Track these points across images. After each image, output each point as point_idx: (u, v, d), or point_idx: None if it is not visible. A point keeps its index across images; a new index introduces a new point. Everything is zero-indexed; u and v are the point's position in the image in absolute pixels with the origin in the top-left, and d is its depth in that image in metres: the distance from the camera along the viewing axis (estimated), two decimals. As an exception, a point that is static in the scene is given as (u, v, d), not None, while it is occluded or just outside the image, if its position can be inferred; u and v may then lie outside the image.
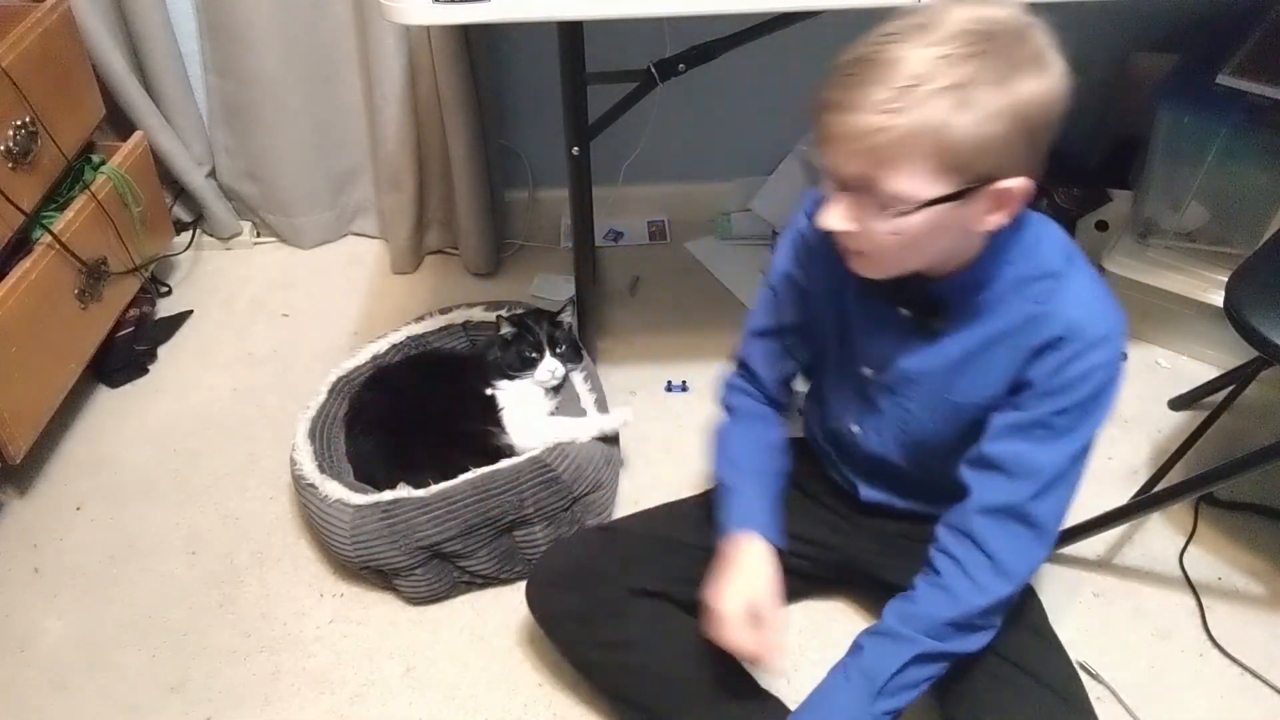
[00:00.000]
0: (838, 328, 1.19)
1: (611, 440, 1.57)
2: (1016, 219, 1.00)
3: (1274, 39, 1.70)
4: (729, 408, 1.32)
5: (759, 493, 1.23)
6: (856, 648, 1.12)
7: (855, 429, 1.25)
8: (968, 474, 1.10)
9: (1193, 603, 1.47)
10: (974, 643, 1.11)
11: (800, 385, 1.35)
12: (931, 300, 1.07)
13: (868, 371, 1.18)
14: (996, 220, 0.96)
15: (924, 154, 0.89)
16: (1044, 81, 0.89)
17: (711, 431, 1.31)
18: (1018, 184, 0.93)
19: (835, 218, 0.96)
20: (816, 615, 1.46)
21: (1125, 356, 1.06)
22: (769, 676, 1.31)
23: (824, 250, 1.16)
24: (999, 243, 1.01)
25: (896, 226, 0.93)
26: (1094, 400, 1.04)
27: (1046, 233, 1.05)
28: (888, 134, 0.88)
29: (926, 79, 0.86)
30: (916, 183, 0.90)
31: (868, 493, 1.31)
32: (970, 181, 0.91)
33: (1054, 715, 1.14)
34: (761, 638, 1.12)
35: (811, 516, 1.37)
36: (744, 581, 1.14)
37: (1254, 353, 1.35)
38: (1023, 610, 1.20)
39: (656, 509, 1.43)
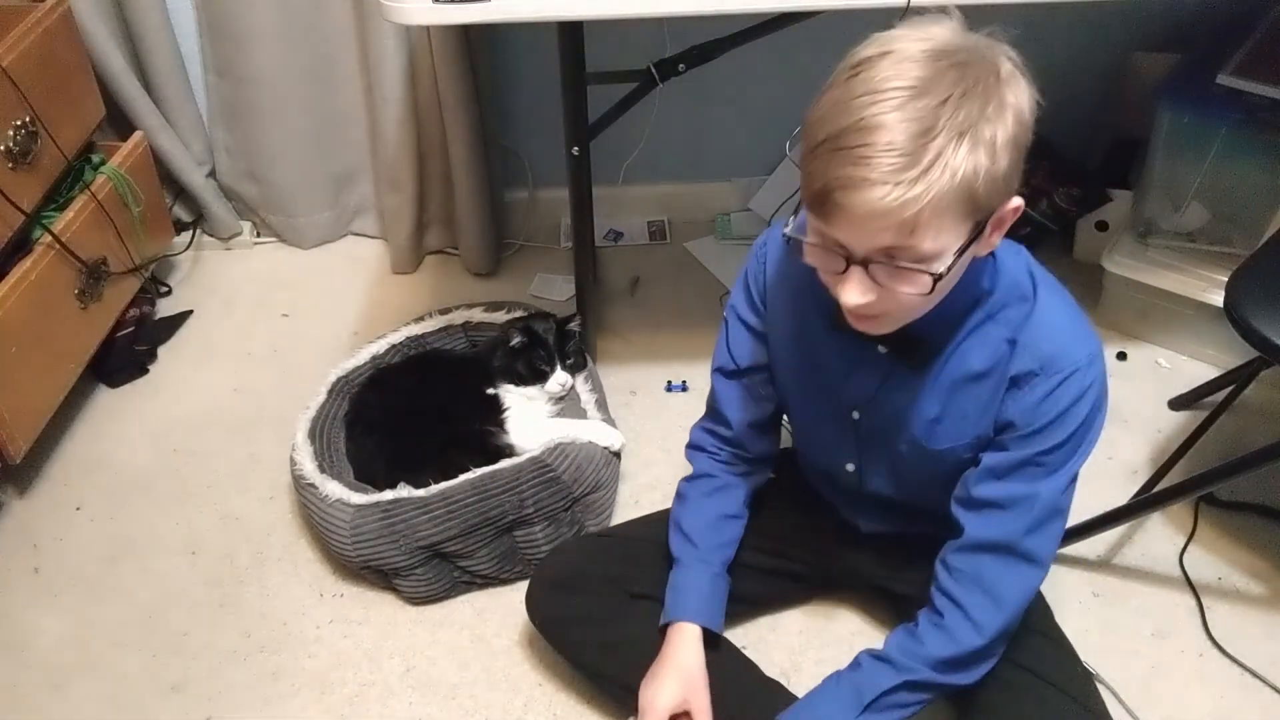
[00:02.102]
0: (814, 373, 1.18)
1: (611, 440, 1.57)
2: None
3: (1274, 39, 1.70)
4: (692, 468, 1.32)
5: (704, 575, 1.25)
6: (855, 663, 1.14)
7: (850, 468, 1.24)
8: (960, 512, 1.10)
9: (1193, 603, 1.47)
10: (971, 676, 1.11)
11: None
12: (911, 339, 1.05)
13: (856, 415, 1.17)
14: (994, 242, 0.95)
15: (953, 207, 0.85)
16: (1026, 96, 0.88)
17: (679, 485, 1.32)
18: (1016, 202, 0.92)
19: (858, 294, 0.91)
20: (817, 616, 1.46)
21: (1105, 387, 1.04)
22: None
23: (784, 298, 1.16)
24: (970, 271, 1.00)
25: (919, 290, 0.89)
26: (1080, 432, 1.03)
27: (1011, 255, 1.05)
28: (919, 202, 0.83)
29: (936, 132, 0.82)
30: (948, 237, 0.87)
31: (869, 526, 1.32)
32: (986, 215, 0.90)
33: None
34: None
35: (810, 525, 1.37)
36: (675, 679, 1.19)
37: (1254, 353, 1.35)
38: (1031, 614, 1.19)
39: (651, 515, 1.43)
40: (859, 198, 0.84)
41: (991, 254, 1.02)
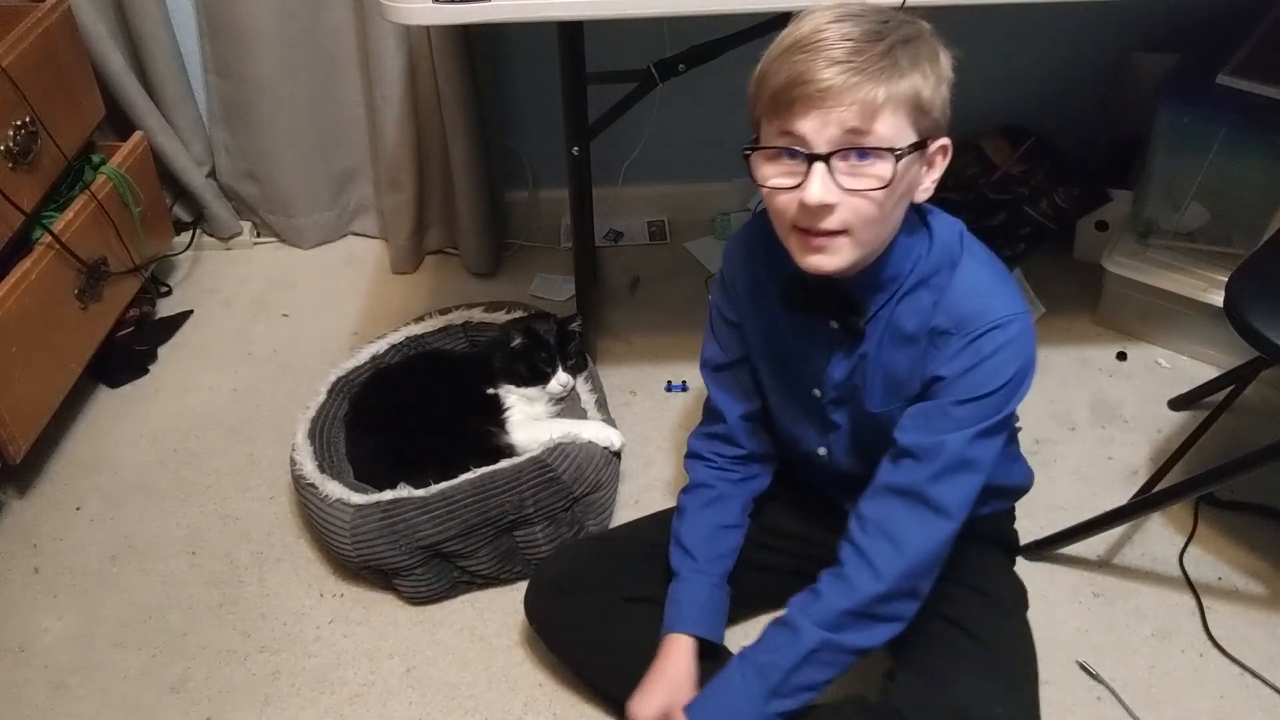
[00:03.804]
0: (778, 359, 1.21)
1: (611, 440, 1.57)
2: (917, 210, 1.06)
3: (1274, 39, 1.70)
4: (690, 477, 1.33)
5: (702, 587, 1.25)
6: (762, 635, 1.13)
7: (822, 452, 1.25)
8: (882, 462, 1.11)
9: (1193, 603, 1.47)
10: (874, 637, 1.09)
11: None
12: (851, 301, 1.09)
13: (817, 393, 1.19)
14: (928, 187, 1.02)
15: (905, 100, 0.94)
16: (946, 53, 0.98)
17: (678, 498, 1.33)
18: (945, 140, 1.01)
19: (821, 187, 0.95)
20: (816, 615, 1.46)
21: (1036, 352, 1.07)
22: None
23: (750, 287, 1.20)
24: (903, 234, 1.05)
25: (882, 179, 0.94)
26: (990, 389, 1.04)
27: (946, 226, 1.09)
28: (880, 81, 0.91)
29: (884, 35, 0.93)
30: (899, 130, 0.95)
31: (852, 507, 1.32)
32: (927, 133, 0.97)
33: (988, 672, 1.14)
34: None
35: (805, 515, 1.37)
36: (662, 689, 1.19)
37: (1254, 353, 1.35)
38: (966, 570, 1.20)
39: (648, 517, 1.44)
40: (827, 73, 0.92)
41: (927, 227, 1.07)
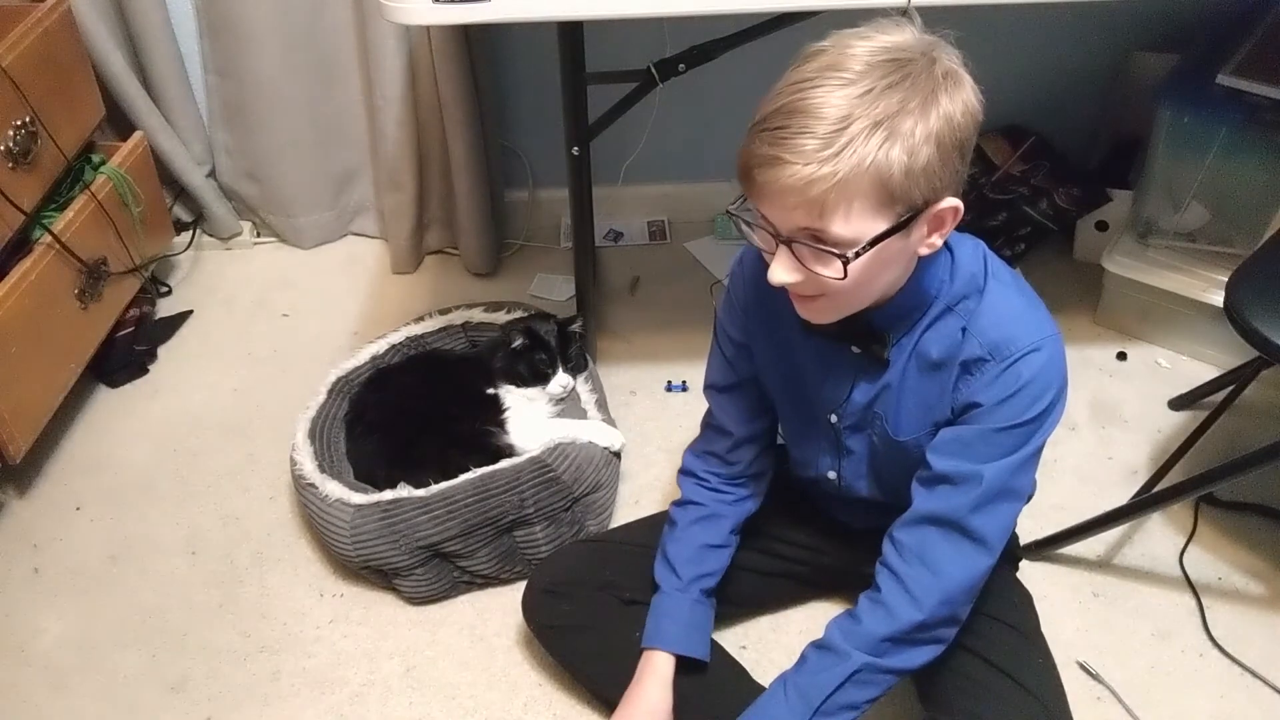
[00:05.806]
0: (793, 382, 1.19)
1: (611, 440, 1.57)
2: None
3: (1274, 39, 1.70)
4: (681, 491, 1.32)
5: (682, 603, 1.25)
6: (801, 659, 1.13)
7: (831, 475, 1.25)
8: (914, 488, 1.10)
9: (1193, 603, 1.47)
10: (915, 658, 1.09)
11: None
12: (874, 330, 1.08)
13: (834, 418, 1.17)
14: (935, 243, 0.97)
15: (864, 194, 0.88)
16: (961, 97, 0.90)
17: (670, 509, 1.32)
18: (952, 203, 0.94)
19: (783, 272, 0.95)
20: (818, 616, 1.46)
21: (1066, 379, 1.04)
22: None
23: (761, 310, 1.18)
24: (926, 264, 1.02)
25: (847, 269, 0.92)
26: (1031, 415, 1.02)
27: (969, 251, 1.06)
28: (826, 181, 0.86)
29: (852, 119, 0.86)
30: (861, 223, 0.90)
31: (859, 524, 1.32)
32: (910, 210, 0.91)
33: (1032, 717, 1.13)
34: None
35: (806, 523, 1.37)
36: (642, 707, 1.21)
37: (1254, 353, 1.35)
38: (997, 604, 1.19)
39: (642, 520, 1.44)
40: (771, 174, 0.89)
41: (949, 250, 1.04)
